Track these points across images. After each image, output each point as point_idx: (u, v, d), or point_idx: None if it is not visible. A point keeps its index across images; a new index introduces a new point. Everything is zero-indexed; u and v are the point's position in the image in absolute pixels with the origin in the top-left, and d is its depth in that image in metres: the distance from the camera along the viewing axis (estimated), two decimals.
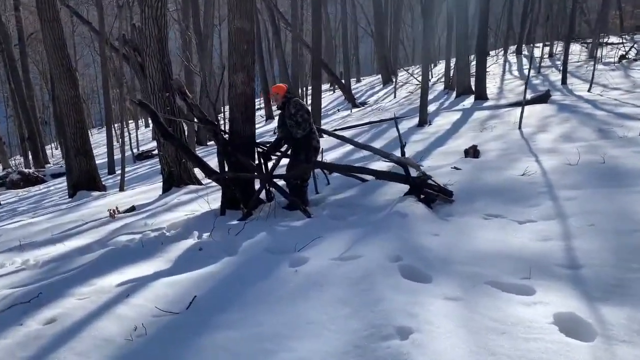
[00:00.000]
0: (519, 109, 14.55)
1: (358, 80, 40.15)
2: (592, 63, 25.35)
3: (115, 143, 21.28)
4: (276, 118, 24.97)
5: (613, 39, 31.65)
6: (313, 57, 14.91)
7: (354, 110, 24.66)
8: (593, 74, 17.53)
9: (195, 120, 6.29)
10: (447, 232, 4.03)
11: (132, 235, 5.29)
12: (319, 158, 6.03)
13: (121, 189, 12.76)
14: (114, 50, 19.77)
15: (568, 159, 6.13)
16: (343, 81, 29.54)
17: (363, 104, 26.75)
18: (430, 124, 14.04)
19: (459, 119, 14.25)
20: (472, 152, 7.76)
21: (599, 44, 30.41)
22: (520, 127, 10.75)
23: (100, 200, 10.43)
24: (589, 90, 17.18)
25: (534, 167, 6.03)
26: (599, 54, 28.52)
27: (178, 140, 6.19)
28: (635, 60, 24.20)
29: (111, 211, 7.31)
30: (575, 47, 32.59)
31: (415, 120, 15.34)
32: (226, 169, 6.01)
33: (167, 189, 8.86)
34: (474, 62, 21.78)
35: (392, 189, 5.53)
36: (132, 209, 7.95)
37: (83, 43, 44.54)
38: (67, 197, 12.64)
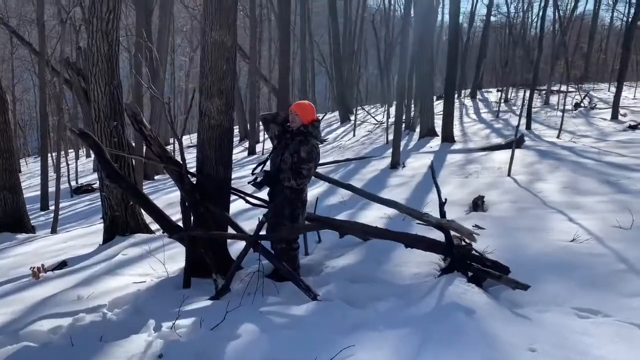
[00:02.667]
0: (495, 154, 13.93)
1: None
2: (550, 109, 25.57)
3: (52, 174, 19.20)
4: (257, 156, 23.32)
5: (563, 87, 32.27)
6: (279, 90, 13.74)
7: None
8: (562, 121, 17.24)
9: (153, 157, 4.87)
10: (545, 343, 2.77)
11: (59, 319, 3.73)
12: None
13: (53, 231, 10.93)
14: (55, 74, 17.92)
15: (608, 218, 5.10)
16: None
17: (322, 141, 25.67)
18: (404, 166, 13.02)
19: (435, 163, 13.29)
20: (481, 203, 6.64)
21: (551, 92, 30.96)
22: (509, 174, 9.85)
23: (25, 246, 8.65)
24: (558, 137, 16.82)
25: (573, 228, 4.97)
26: (553, 101, 28.93)
27: (128, 184, 4.73)
28: (592, 108, 24.44)
29: (35, 269, 5.67)
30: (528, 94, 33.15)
31: (386, 161, 14.36)
32: (192, 222, 4.59)
33: (108, 239, 7.24)
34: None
35: (413, 256, 4.28)
36: (63, 264, 6.32)
37: (22, 66, 41.81)
38: None
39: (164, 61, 20.54)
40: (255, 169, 4.49)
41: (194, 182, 4.78)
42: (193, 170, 4.93)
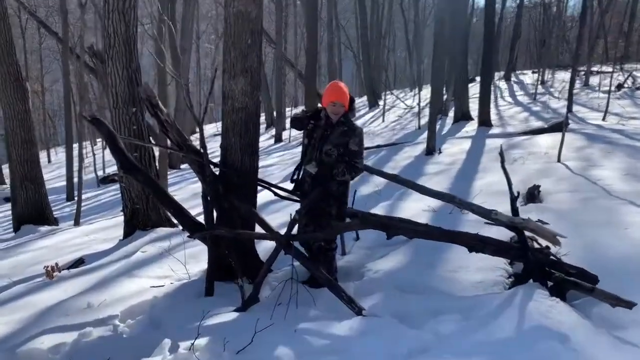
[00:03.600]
0: (538, 138, 13.05)
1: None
2: (591, 91, 24.30)
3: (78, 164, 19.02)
4: (284, 143, 22.62)
5: (603, 68, 30.79)
6: (306, 76, 13.10)
7: None
8: (608, 102, 16.14)
9: (171, 145, 4.33)
10: None
11: (63, 333, 3.24)
12: None
13: (76, 223, 10.61)
14: (78, 60, 17.62)
15: None
16: None
17: None
18: (440, 152, 12.29)
19: (472, 148, 12.55)
20: (537, 194, 5.94)
21: (591, 72, 29.56)
22: (559, 160, 9.06)
23: (46, 240, 8.33)
24: (603, 119, 15.79)
25: None
26: (593, 83, 27.59)
27: (145, 176, 4.20)
28: (637, 89, 23.12)
29: (49, 269, 5.23)
30: (566, 75, 31.77)
31: (420, 147, 13.65)
32: (215, 219, 4.04)
33: (129, 233, 6.78)
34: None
35: (471, 259, 3.64)
36: (80, 262, 5.91)
37: (51, 56, 41.97)
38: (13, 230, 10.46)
39: (188, 47, 20.09)
40: (293, 175, 4.00)
41: (217, 174, 4.23)
42: (217, 160, 4.37)
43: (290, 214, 3.54)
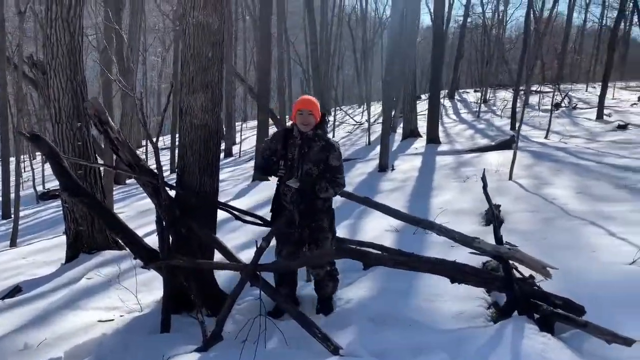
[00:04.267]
0: (486, 155, 13.29)
1: (290, 118, 38.46)
2: (530, 109, 25.21)
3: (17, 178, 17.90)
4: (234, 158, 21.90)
5: (540, 88, 32.13)
6: (260, 90, 12.86)
7: None
8: (550, 121, 16.71)
9: (121, 166, 3.98)
10: None
11: None
12: None
13: (12, 243, 9.89)
14: (15, 70, 16.66)
15: None
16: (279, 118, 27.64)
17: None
18: (393, 169, 12.29)
19: (424, 165, 12.65)
20: (498, 213, 5.90)
21: (530, 92, 30.76)
22: (511, 178, 9.19)
23: None
24: (546, 137, 16.33)
25: (621, 245, 4.26)
26: (532, 102, 28.67)
27: (91, 199, 3.83)
28: (573, 108, 24.20)
29: None
30: (506, 94, 32.96)
31: (372, 164, 13.66)
32: (170, 246, 3.72)
33: (72, 257, 6.27)
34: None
35: (445, 287, 3.47)
36: (17, 290, 5.39)
37: None
38: None
39: (135, 60, 19.44)
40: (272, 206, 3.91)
41: (172, 197, 3.92)
42: (171, 181, 4.06)
43: (256, 242, 3.27)
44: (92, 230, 6.31)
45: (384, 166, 12.43)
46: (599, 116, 19.41)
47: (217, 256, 4.22)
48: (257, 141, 13.11)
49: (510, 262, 3.08)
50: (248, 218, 4.05)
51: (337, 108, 31.11)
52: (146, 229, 8.09)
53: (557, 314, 2.85)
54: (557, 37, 41.68)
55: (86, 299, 4.42)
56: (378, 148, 13.32)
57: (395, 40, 16.54)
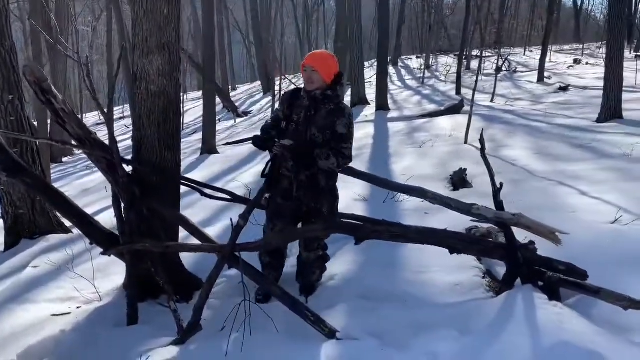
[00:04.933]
0: (437, 120, 13.33)
1: (234, 89, 37.50)
2: (472, 74, 25.55)
3: None
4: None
5: (481, 53, 32.58)
6: (205, 57, 12.24)
7: (239, 120, 22.13)
8: (495, 85, 16.91)
9: (69, 140, 3.53)
10: None
11: None
12: None
13: None
14: None
15: (627, 190, 4.40)
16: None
17: (246, 113, 24.34)
18: None
19: (377, 132, 12.52)
20: (461, 179, 5.80)
21: (471, 57, 31.18)
22: (467, 142, 9.18)
23: None
24: (492, 101, 16.55)
25: (596, 205, 4.23)
26: (473, 66, 29.10)
27: (34, 178, 3.38)
28: (514, 71, 24.70)
29: None
30: (448, 60, 33.32)
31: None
32: (130, 228, 3.33)
33: (12, 243, 5.71)
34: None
35: (432, 256, 3.29)
36: None
37: None
38: None
39: (65, 28, 18.11)
40: (265, 170, 3.27)
41: (130, 173, 3.52)
42: (127, 156, 3.65)
43: (231, 219, 2.95)
44: (33, 214, 5.75)
45: None
46: (540, 79, 19.87)
47: (181, 235, 3.88)
48: (204, 112, 12.52)
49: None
50: (216, 194, 3.70)
51: (282, 77, 30.44)
52: (93, 208, 7.54)
53: (564, 281, 2.71)
54: (494, 2, 42.34)
55: (35, 291, 3.97)
56: None
57: (342, 3, 16.19)
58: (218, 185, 8.75)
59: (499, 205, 3.00)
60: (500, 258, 2.92)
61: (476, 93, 19.91)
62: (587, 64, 24.16)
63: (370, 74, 26.39)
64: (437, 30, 40.65)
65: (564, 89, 16.47)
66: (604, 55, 25.23)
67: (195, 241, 3.48)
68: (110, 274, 4.09)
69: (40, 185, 3.50)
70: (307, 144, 3.11)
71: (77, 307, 3.57)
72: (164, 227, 3.47)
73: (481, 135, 3.32)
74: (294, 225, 3.25)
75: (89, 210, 7.59)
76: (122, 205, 3.34)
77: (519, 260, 2.81)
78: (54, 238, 5.69)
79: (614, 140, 7.45)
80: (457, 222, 4.06)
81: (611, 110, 9.67)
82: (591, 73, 20.58)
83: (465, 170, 5.93)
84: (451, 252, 2.87)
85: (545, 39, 19.84)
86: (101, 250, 3.26)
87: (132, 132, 3.59)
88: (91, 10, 38.58)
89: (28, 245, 5.53)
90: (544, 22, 45.37)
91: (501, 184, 3.04)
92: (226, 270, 3.54)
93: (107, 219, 5.57)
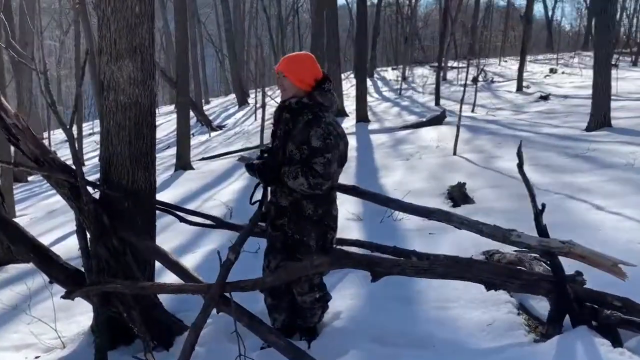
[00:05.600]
0: (421, 131, 13.00)
1: (207, 102, 36.90)
2: (449, 85, 25.53)
3: None
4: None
5: (454, 64, 32.85)
6: (179, 70, 11.71)
7: (213, 134, 21.58)
8: (475, 95, 16.73)
9: (23, 161, 3.00)
10: None
11: None
12: None
13: None
14: None
15: None
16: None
17: (221, 127, 23.81)
18: None
19: (360, 145, 12.12)
20: (461, 194, 5.38)
21: (447, 68, 31.28)
22: (455, 153, 8.83)
23: None
24: (472, 111, 16.35)
25: (619, 221, 3.85)
26: (450, 77, 29.16)
27: None
28: (491, 82, 24.70)
29: None
30: (424, 71, 33.37)
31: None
32: (97, 263, 2.81)
33: None
34: None
35: (447, 284, 2.84)
36: None
37: None
38: None
39: (30, 42, 17.38)
40: (252, 195, 2.80)
41: (97, 198, 3.00)
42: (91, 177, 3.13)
43: (218, 252, 2.46)
44: None
45: None
46: (519, 88, 19.84)
47: (156, 267, 3.36)
48: (177, 126, 11.96)
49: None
50: (196, 219, 3.21)
51: (256, 89, 29.91)
52: (59, 232, 6.94)
53: (628, 321, 2.29)
54: (467, 14, 42.75)
55: None
56: None
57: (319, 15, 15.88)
58: (195, 204, 8.25)
59: (542, 230, 2.57)
60: (546, 293, 2.49)
61: (455, 103, 19.85)
62: (563, 73, 24.29)
63: (346, 85, 26.16)
64: (412, 42, 40.83)
65: (545, 97, 16.38)
66: (580, 65, 25.40)
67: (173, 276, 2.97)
68: (74, 314, 3.55)
69: None
70: (272, 164, 2.64)
71: (36, 358, 3.03)
72: (137, 261, 2.96)
73: (519, 149, 2.86)
74: (293, 259, 2.69)
75: (54, 235, 7.00)
76: (88, 236, 2.82)
77: (569, 296, 2.39)
78: (13, 268, 5.12)
79: (611, 149, 7.18)
80: (468, 243, 3.66)
81: (600, 118, 9.47)
82: (568, 82, 20.66)
83: (464, 184, 5.53)
84: (487, 289, 2.42)
85: (523, 47, 19.86)
86: (64, 298, 2.71)
87: (99, 150, 3.07)
88: (58, 24, 37.68)
89: None
90: (515, 32, 46.07)
91: (543, 205, 2.61)
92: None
93: (74, 245, 5.03)
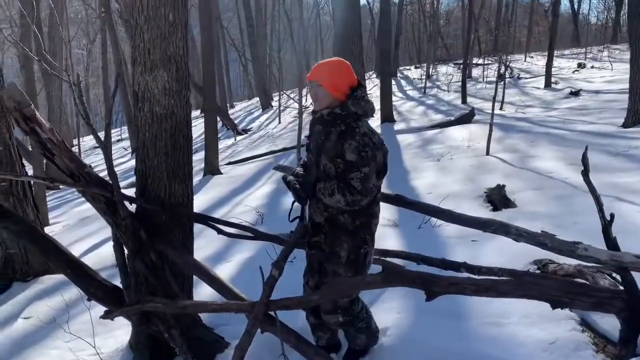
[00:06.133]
0: (449, 130, 12.76)
1: (232, 106, 37.10)
2: (475, 82, 25.12)
3: None
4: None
5: (484, 60, 32.39)
6: (205, 73, 11.71)
7: (239, 137, 21.65)
8: (504, 93, 16.37)
9: (59, 176, 2.95)
10: None
11: None
12: None
13: None
14: None
15: None
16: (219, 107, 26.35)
17: (246, 130, 23.89)
18: None
19: (388, 146, 11.74)
20: (502, 197, 5.19)
21: (472, 65, 30.85)
22: (488, 153, 8.61)
23: None
24: (501, 109, 16.00)
25: None
26: (475, 74, 28.74)
27: (21, 224, 2.80)
28: (518, 78, 24.26)
29: None
30: (448, 68, 32.92)
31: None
32: (135, 279, 2.74)
33: (4, 287, 5.12)
34: None
35: (503, 299, 2.68)
36: None
37: None
38: None
39: (58, 52, 17.68)
40: (290, 212, 2.69)
41: (133, 212, 2.93)
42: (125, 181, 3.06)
43: (260, 267, 2.36)
44: (25, 253, 5.19)
45: None
46: (547, 84, 19.40)
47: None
48: (205, 131, 11.98)
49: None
50: (236, 231, 3.12)
51: (280, 92, 29.96)
52: (92, 240, 6.95)
53: None
54: (491, 10, 42.17)
55: (25, 352, 3.38)
56: None
57: (343, 19, 15.76)
58: (226, 209, 8.21)
59: (612, 243, 2.40)
60: (618, 312, 2.32)
61: (482, 101, 19.52)
62: (592, 67, 23.68)
63: (369, 85, 25.95)
64: (435, 40, 40.44)
65: (575, 93, 15.95)
66: (610, 58, 24.73)
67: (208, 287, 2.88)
68: (112, 329, 3.50)
69: (28, 233, 2.91)
70: (311, 179, 2.51)
71: None
72: (176, 275, 2.88)
73: (584, 155, 2.66)
74: (325, 273, 2.57)
75: (87, 243, 7.01)
76: (126, 252, 2.76)
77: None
78: (49, 279, 5.13)
79: None
80: (516, 250, 3.49)
81: (638, 114, 9.13)
82: (598, 76, 20.12)
83: (503, 186, 5.33)
84: (554, 307, 2.26)
85: (551, 42, 19.38)
86: (104, 318, 2.64)
87: (135, 163, 3.01)
88: (85, 33, 38.31)
89: (20, 289, 4.97)
90: (540, 27, 45.19)
91: (612, 216, 2.44)
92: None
93: (108, 254, 5.00)
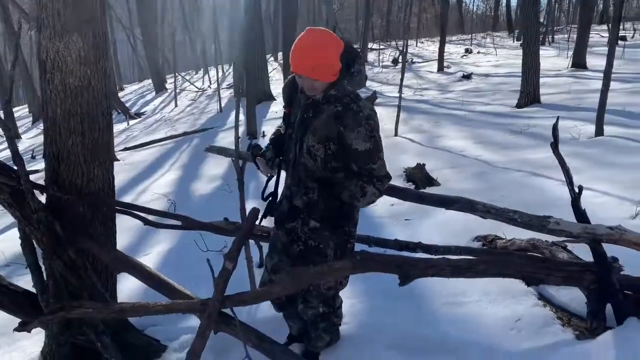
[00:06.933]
0: None
1: (121, 89, 34.94)
2: (370, 67, 25.68)
3: None
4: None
5: (379, 45, 33.29)
6: None
7: (132, 122, 20.41)
8: (402, 77, 16.79)
9: None
10: None
11: None
12: None
13: None
14: None
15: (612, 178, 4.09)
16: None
17: (139, 114, 22.59)
18: (264, 136, 11.33)
19: None
20: (422, 176, 5.20)
21: (366, 49, 31.49)
22: (397, 134, 8.76)
23: None
24: (399, 92, 16.43)
25: (594, 197, 3.82)
26: (370, 59, 29.37)
27: None
28: (411, 62, 25.09)
29: None
30: None
31: (236, 132, 12.49)
32: (51, 284, 2.34)
33: None
34: None
35: (471, 279, 2.60)
36: None
37: None
38: None
39: None
40: (265, 187, 2.39)
41: (44, 202, 2.49)
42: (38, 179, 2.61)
43: (208, 260, 2.07)
44: None
45: (253, 133, 11.37)
46: (440, 68, 20.22)
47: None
48: None
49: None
50: (164, 220, 2.77)
51: (175, 75, 28.61)
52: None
53: None
54: None
55: None
56: (233, 115, 11.99)
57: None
58: (130, 197, 7.58)
59: (581, 216, 2.38)
60: (588, 285, 2.31)
61: (380, 85, 19.94)
62: (478, 52, 25.15)
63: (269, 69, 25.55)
64: (330, 24, 40.83)
65: (467, 77, 16.77)
66: (493, 44, 26.28)
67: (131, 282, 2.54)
68: (17, 339, 3.01)
69: None
70: (310, 178, 2.21)
71: None
72: (99, 273, 2.50)
73: (554, 127, 2.56)
74: (295, 262, 2.29)
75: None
76: (40, 251, 2.33)
77: (614, 286, 2.22)
78: None
79: (550, 124, 7.32)
80: (455, 228, 3.47)
81: (530, 95, 9.76)
82: (485, 61, 21.34)
83: (424, 165, 5.35)
84: (528, 284, 2.20)
85: (443, 28, 20.25)
86: (17, 331, 2.18)
87: (43, 146, 2.54)
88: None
89: None
90: (427, 14, 47.20)
91: (580, 187, 2.41)
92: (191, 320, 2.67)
93: (2, 247, 4.36)
